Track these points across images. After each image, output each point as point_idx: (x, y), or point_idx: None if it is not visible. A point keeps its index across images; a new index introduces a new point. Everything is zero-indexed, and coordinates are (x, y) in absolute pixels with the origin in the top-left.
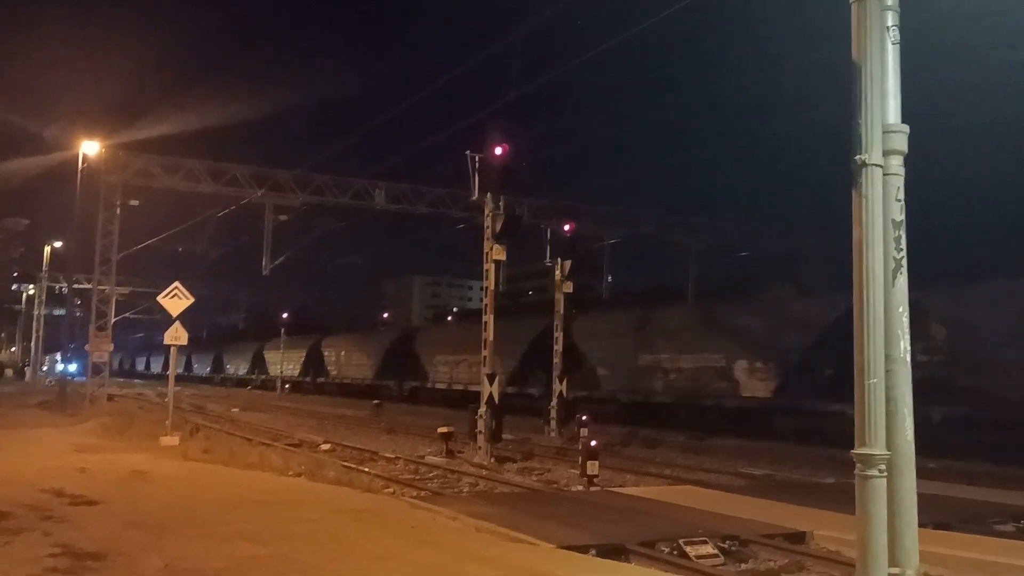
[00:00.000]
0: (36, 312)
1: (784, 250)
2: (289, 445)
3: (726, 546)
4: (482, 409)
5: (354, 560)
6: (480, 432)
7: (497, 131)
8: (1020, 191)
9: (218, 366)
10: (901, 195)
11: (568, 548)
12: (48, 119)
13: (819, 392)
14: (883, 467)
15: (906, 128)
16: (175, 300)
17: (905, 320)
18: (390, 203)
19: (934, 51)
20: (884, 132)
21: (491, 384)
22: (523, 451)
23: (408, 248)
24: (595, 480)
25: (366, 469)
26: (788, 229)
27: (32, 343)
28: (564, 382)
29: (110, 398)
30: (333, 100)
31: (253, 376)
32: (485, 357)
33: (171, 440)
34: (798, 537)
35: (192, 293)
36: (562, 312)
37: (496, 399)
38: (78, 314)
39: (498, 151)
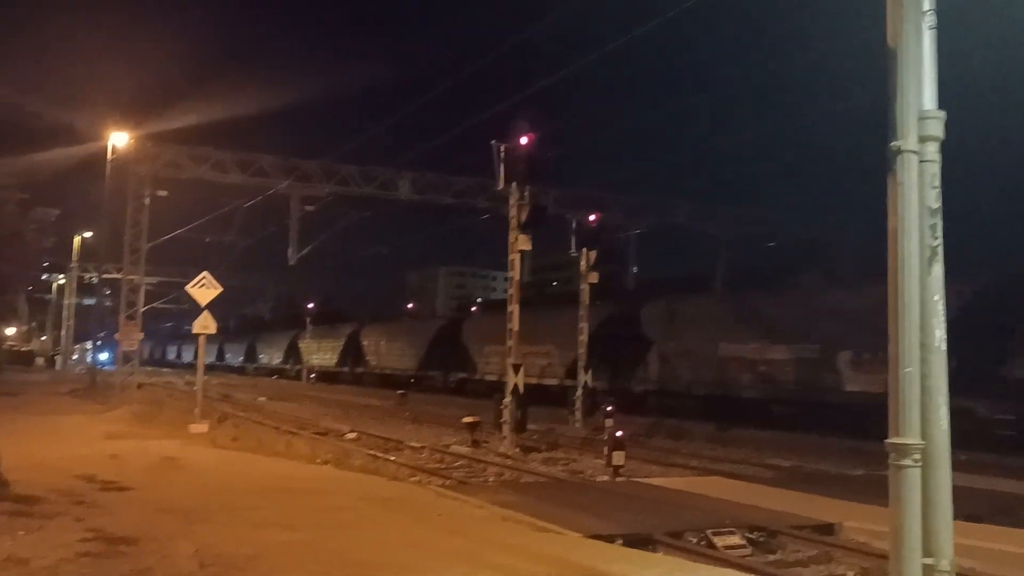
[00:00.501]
0: (66, 301)
1: (815, 239)
2: (315, 434)
3: (754, 537)
4: (507, 399)
5: (382, 548)
6: (505, 422)
7: (523, 120)
8: None
9: (251, 355)
10: (937, 182)
11: (595, 537)
12: (78, 110)
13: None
14: (917, 456)
15: (942, 114)
16: (204, 290)
17: (941, 308)
18: (415, 193)
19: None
20: (920, 118)
21: (516, 374)
22: (548, 441)
23: (433, 239)
24: (621, 470)
25: (392, 458)
26: (818, 218)
27: (62, 332)
28: (590, 372)
29: (140, 386)
30: (360, 90)
31: (288, 366)
32: (510, 347)
33: (200, 428)
34: (827, 528)
35: (220, 283)
36: (587, 302)
37: (521, 389)
38: (107, 304)
39: (524, 141)
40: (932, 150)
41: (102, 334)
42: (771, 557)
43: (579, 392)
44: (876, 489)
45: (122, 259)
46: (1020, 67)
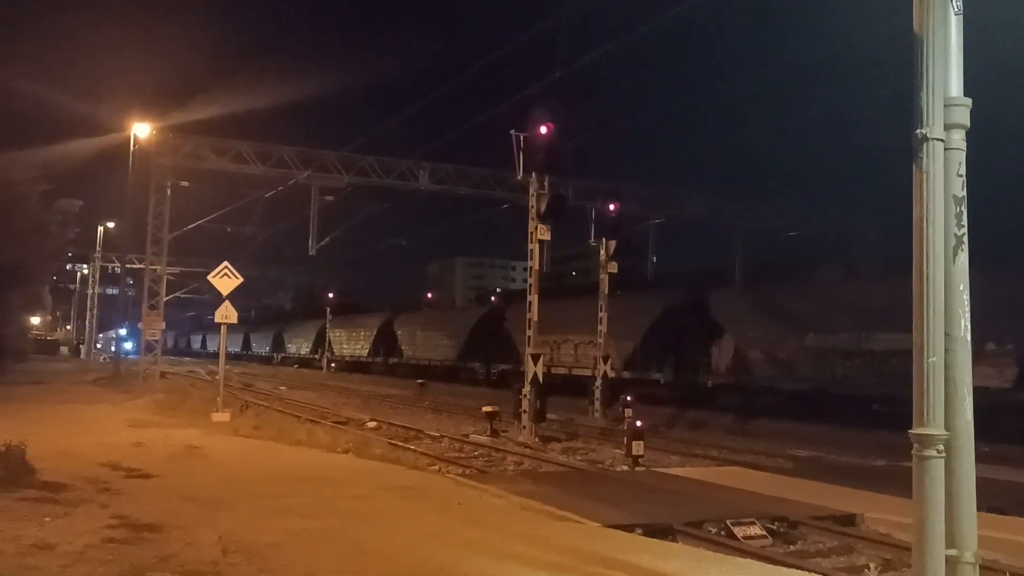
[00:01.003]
0: (90, 291)
1: (834, 231)
2: (336, 423)
3: (775, 527)
4: (526, 389)
5: (403, 536)
6: (524, 412)
7: (542, 110)
8: None
9: (278, 345)
10: (963, 170)
11: (614, 527)
12: (101, 102)
13: None
14: (941, 447)
15: (968, 101)
16: (225, 279)
17: (966, 298)
18: (434, 184)
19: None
20: (946, 105)
21: (535, 364)
22: (567, 431)
23: (451, 229)
24: (640, 460)
25: (412, 447)
26: (838, 210)
27: (87, 321)
28: (608, 362)
29: (163, 375)
30: (379, 81)
31: (316, 356)
32: (529, 337)
33: (222, 417)
34: (848, 519)
35: (241, 273)
36: (606, 292)
37: (541, 379)
38: (130, 293)
39: (543, 131)
40: (958, 138)
41: (126, 324)
42: (792, 548)
43: (598, 382)
44: (898, 480)
45: (145, 249)
46: None
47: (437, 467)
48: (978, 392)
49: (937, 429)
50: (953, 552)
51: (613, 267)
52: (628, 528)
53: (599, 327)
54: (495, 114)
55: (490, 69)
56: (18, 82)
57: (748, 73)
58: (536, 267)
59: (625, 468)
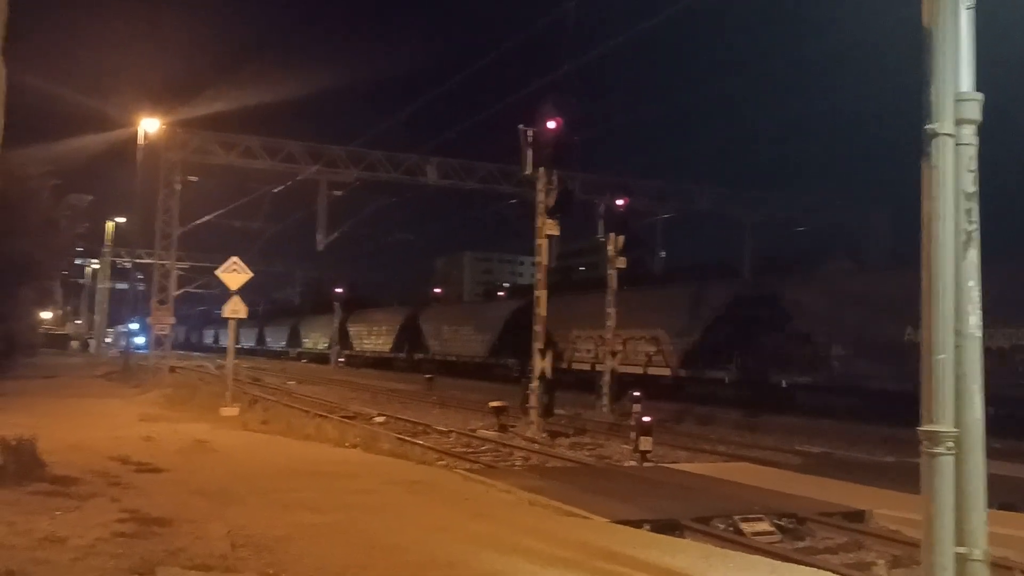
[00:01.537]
0: (100, 286)
1: (843, 224)
2: (344, 417)
3: (783, 523)
4: (534, 384)
5: (410, 530)
6: (532, 407)
7: (550, 105)
8: None
9: (295, 339)
10: (974, 166)
11: (622, 523)
12: (110, 97)
13: None
14: (951, 444)
15: (980, 96)
16: (234, 274)
17: (976, 295)
18: (442, 178)
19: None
20: (956, 100)
21: (543, 359)
22: (575, 426)
23: (459, 224)
24: (648, 456)
25: (419, 442)
26: (847, 203)
27: (96, 316)
28: (616, 357)
29: (172, 370)
30: (387, 76)
31: (335, 351)
32: (537, 332)
33: (231, 411)
34: (857, 516)
35: (250, 268)
36: (615, 287)
37: (548, 374)
38: (140, 288)
39: (551, 125)
40: (969, 133)
41: (135, 319)
42: (800, 544)
43: (607, 377)
44: (908, 477)
45: (154, 244)
46: None
47: (445, 462)
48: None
49: (946, 426)
50: (963, 549)
51: (622, 262)
52: (636, 523)
53: (607, 322)
54: (503, 109)
55: (497, 63)
56: (27, 77)
57: (757, 66)
58: (544, 262)
59: (633, 463)
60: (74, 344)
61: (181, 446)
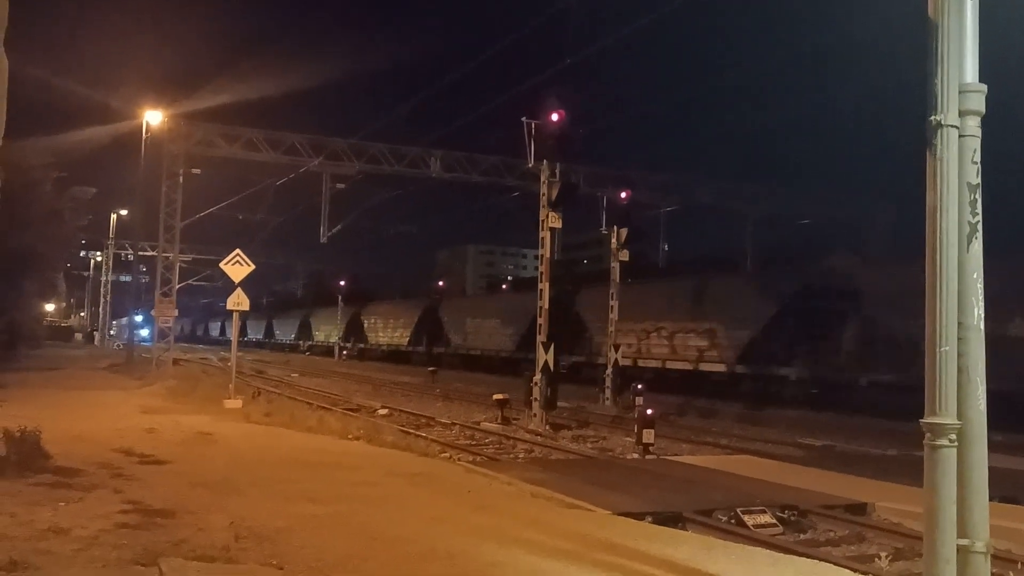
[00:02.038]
0: (103, 278)
1: (846, 217)
2: (347, 410)
3: (785, 516)
4: (537, 376)
5: (412, 522)
6: (535, 399)
7: (553, 98)
8: None
9: (305, 332)
10: (977, 157)
11: (624, 515)
12: (113, 89)
13: None
14: (953, 437)
15: (984, 87)
16: (236, 267)
17: (979, 287)
18: (445, 171)
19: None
20: (960, 92)
21: (546, 352)
22: (578, 419)
23: (462, 216)
24: (651, 448)
25: (423, 434)
26: (850, 196)
27: (100, 308)
28: (619, 350)
29: (175, 362)
30: (390, 68)
31: (349, 344)
32: (540, 325)
33: (234, 403)
34: (859, 508)
35: (252, 261)
36: (618, 281)
37: (552, 367)
38: (144, 280)
39: (554, 118)
40: (973, 124)
41: (139, 311)
42: (802, 536)
43: (609, 370)
44: (910, 469)
45: (157, 236)
46: None
47: (447, 454)
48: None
49: (949, 418)
50: (965, 542)
51: (624, 255)
52: (638, 516)
53: (610, 315)
54: (506, 101)
55: (500, 56)
56: (31, 69)
57: (760, 59)
58: (547, 255)
59: (635, 456)
60: (78, 336)
61: (184, 438)
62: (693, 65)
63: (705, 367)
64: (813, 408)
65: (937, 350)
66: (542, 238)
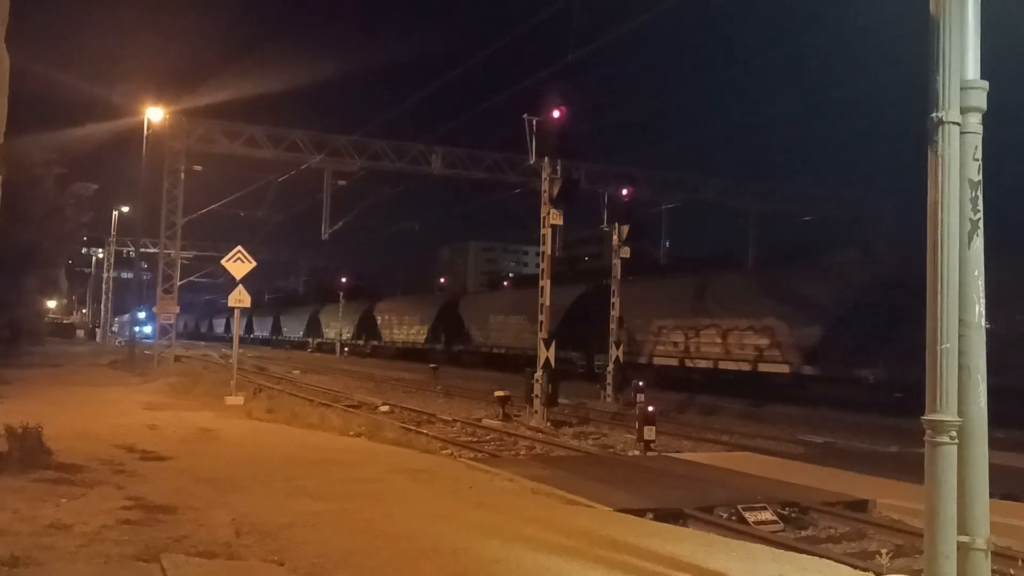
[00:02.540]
0: (105, 275)
1: (849, 215)
2: (349, 406)
3: (786, 513)
4: (538, 373)
5: (414, 519)
6: (536, 396)
7: (555, 94)
8: None
9: (313, 329)
10: (979, 154)
11: (625, 511)
12: (114, 86)
13: None
14: (954, 434)
15: (985, 84)
16: (238, 264)
17: (981, 284)
18: (446, 168)
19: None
20: (962, 88)
21: (547, 348)
22: (579, 416)
23: (464, 213)
24: (652, 445)
25: (424, 431)
26: (852, 193)
27: (102, 305)
28: (620, 348)
29: (177, 359)
30: (391, 65)
31: (360, 341)
32: (541, 322)
33: (236, 400)
34: (860, 505)
35: (254, 257)
36: (618, 277)
37: (552, 364)
38: (145, 277)
39: (556, 114)
40: (974, 121)
41: (143, 308)
42: (803, 533)
43: (610, 367)
44: (911, 466)
45: (158, 233)
46: None
47: (449, 451)
48: None
49: (950, 415)
50: (965, 538)
51: (626, 252)
52: (639, 512)
53: (612, 312)
54: (507, 98)
55: (502, 53)
56: (33, 65)
57: (763, 56)
58: (549, 252)
59: (637, 453)
60: (80, 333)
61: (185, 434)
62: (694, 62)
63: (765, 368)
64: (882, 412)
65: (938, 347)
66: (543, 235)
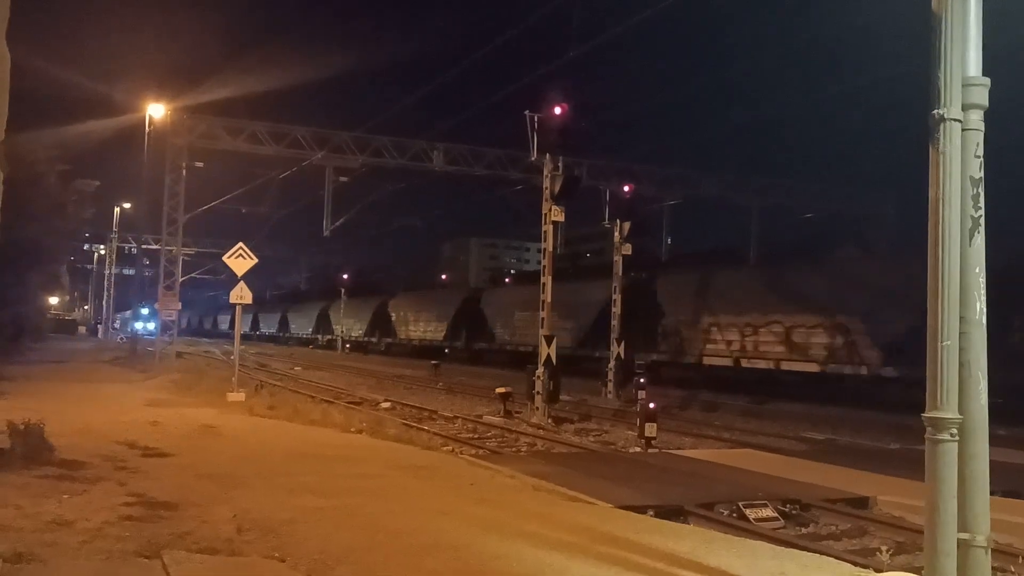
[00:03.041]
0: (107, 272)
1: (850, 211)
2: (350, 403)
3: (787, 510)
4: (540, 370)
5: (415, 515)
6: (538, 393)
7: (556, 91)
8: None
9: (322, 326)
10: (980, 151)
11: (626, 508)
12: (116, 82)
13: None
14: (954, 431)
15: (987, 81)
16: (239, 260)
17: (981, 281)
18: (448, 164)
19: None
20: (964, 85)
21: (548, 346)
22: (580, 412)
23: (465, 210)
24: (653, 442)
25: (425, 427)
26: (854, 189)
27: (104, 301)
28: (623, 344)
29: (179, 355)
30: (393, 61)
31: (373, 338)
32: (543, 319)
33: (237, 396)
34: (861, 502)
35: (256, 254)
36: (620, 275)
37: (554, 360)
38: (147, 274)
39: (557, 111)
40: (976, 118)
41: (145, 304)
42: (804, 530)
43: (611, 364)
44: (912, 463)
45: (160, 230)
46: None
47: (450, 447)
48: None
49: (951, 413)
50: (965, 535)
51: (627, 248)
52: (639, 509)
53: (613, 308)
54: (509, 94)
55: (504, 49)
56: (35, 61)
57: (765, 52)
58: (550, 248)
59: (638, 449)
60: (82, 330)
61: (187, 431)
62: (696, 59)
63: (836, 368)
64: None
65: (939, 344)
66: (545, 231)
